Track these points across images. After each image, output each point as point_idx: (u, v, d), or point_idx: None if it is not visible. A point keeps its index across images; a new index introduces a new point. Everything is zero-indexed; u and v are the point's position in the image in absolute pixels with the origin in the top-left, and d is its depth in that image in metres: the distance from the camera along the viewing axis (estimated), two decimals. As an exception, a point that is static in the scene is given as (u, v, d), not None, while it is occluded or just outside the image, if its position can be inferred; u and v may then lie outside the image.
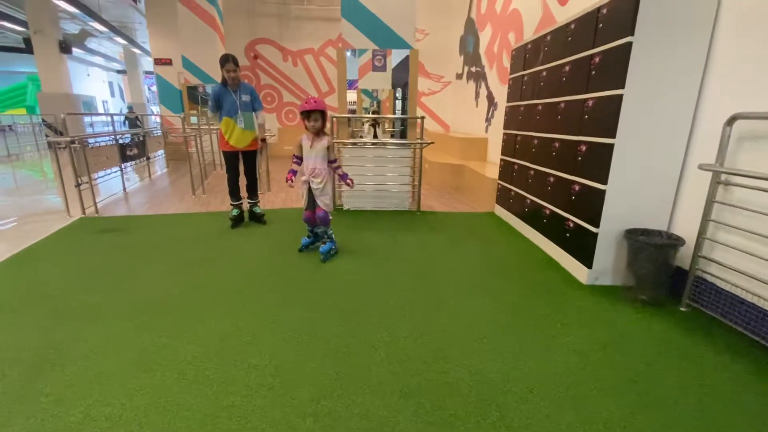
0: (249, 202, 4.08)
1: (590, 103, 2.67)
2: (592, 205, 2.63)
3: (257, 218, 4.07)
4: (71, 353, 1.86)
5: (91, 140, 5.06)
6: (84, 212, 4.31)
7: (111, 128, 7.19)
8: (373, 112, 4.96)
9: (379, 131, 4.87)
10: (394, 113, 4.91)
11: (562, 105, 3.05)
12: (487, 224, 4.19)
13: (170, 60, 9.60)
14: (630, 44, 2.29)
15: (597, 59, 2.60)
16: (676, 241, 2.36)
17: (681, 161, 2.48)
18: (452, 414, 1.51)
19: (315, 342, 1.98)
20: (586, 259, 2.69)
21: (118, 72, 24.10)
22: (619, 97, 2.37)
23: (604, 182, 2.50)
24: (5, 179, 6.94)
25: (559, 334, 2.09)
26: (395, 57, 4.52)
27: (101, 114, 20.60)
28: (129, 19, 14.70)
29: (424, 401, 1.58)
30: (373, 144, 4.60)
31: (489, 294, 2.55)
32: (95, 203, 4.48)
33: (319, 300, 2.42)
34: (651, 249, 2.33)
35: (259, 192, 4.18)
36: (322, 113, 2.86)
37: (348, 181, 3.01)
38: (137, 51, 19.09)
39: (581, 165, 2.77)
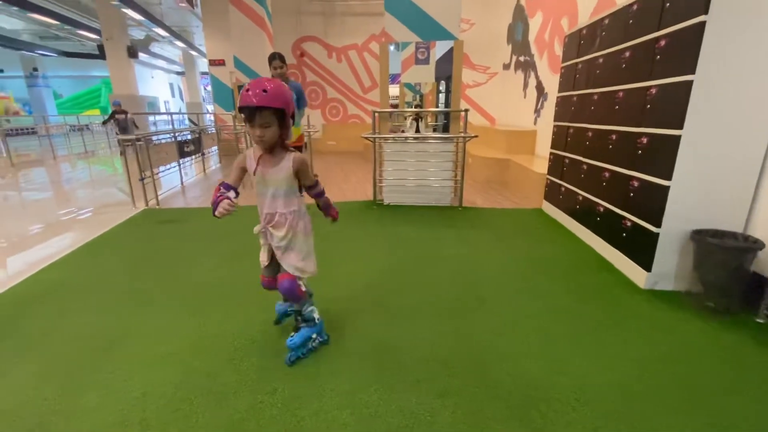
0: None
1: (653, 90, 2.44)
2: (652, 202, 2.42)
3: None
4: (134, 335, 2.03)
5: (154, 137, 5.48)
6: (147, 204, 4.68)
7: (172, 126, 7.73)
8: (416, 106, 4.90)
9: (421, 125, 4.81)
10: (437, 106, 4.81)
11: (621, 94, 2.82)
12: (534, 221, 4.01)
13: (223, 60, 10.11)
14: (703, 24, 2.05)
15: (663, 42, 2.37)
16: (754, 245, 2.11)
17: (762, 155, 2.20)
18: (490, 417, 1.47)
19: (354, 335, 2.00)
20: (645, 262, 2.48)
21: (178, 74, 25.85)
22: (689, 84, 2.14)
23: (668, 178, 2.28)
24: (83, 173, 7.73)
25: (613, 341, 1.95)
26: (439, 49, 4.43)
27: (163, 113, 22.27)
28: (187, 23, 15.68)
29: (462, 402, 1.54)
30: (415, 138, 4.55)
31: (535, 295, 2.43)
32: (157, 196, 4.84)
33: (361, 294, 2.45)
34: (723, 252, 2.10)
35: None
36: (278, 112, 1.48)
37: (332, 213, 1.88)
38: (194, 53, 20.35)
39: (641, 159, 2.55)
